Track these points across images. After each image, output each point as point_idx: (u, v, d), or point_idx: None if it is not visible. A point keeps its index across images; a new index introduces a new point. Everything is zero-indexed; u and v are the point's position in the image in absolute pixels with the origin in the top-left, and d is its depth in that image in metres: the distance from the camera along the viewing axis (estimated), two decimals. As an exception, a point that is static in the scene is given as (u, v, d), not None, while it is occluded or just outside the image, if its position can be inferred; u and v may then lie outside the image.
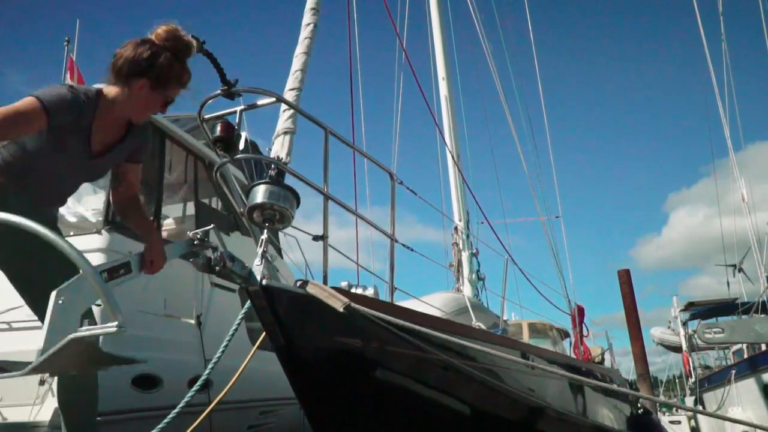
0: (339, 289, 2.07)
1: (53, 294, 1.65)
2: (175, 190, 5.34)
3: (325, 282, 2.15)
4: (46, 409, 3.37)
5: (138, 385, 3.75)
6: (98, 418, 3.34)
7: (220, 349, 2.55)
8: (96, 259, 3.62)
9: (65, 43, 5.68)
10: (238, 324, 2.39)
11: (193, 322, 4.40)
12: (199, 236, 2.34)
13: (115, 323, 1.55)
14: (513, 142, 8.80)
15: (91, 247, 3.75)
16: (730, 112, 11.43)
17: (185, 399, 2.50)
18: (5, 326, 3.63)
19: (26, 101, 2.10)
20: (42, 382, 3.47)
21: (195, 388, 2.53)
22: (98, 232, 3.89)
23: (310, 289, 2.02)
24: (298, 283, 2.07)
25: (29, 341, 3.51)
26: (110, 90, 2.33)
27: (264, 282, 1.94)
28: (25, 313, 3.55)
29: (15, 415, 3.44)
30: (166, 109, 2.42)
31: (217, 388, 3.76)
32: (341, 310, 1.92)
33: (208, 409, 3.25)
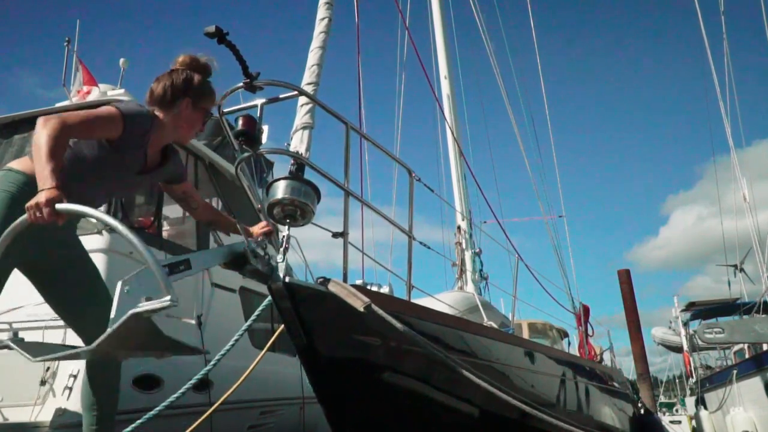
0: (360, 287, 2.04)
1: (119, 283, 1.74)
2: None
3: (345, 280, 2.13)
4: (47, 409, 3.35)
5: (139, 385, 3.74)
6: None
7: (223, 350, 2.54)
8: (97, 260, 3.61)
9: (65, 44, 5.67)
10: (251, 323, 2.39)
11: (193, 322, 4.38)
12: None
13: (168, 297, 1.66)
14: (515, 141, 8.80)
15: (93, 248, 3.73)
16: (731, 111, 11.41)
17: (180, 392, 2.50)
18: (5, 326, 3.62)
19: (106, 108, 2.33)
20: (43, 383, 3.46)
21: (189, 383, 2.54)
22: (99, 232, 3.88)
23: (332, 287, 1.99)
24: (319, 281, 2.04)
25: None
26: (158, 114, 2.53)
27: (287, 279, 1.91)
28: (26, 312, 3.56)
29: (16, 416, 3.42)
30: (204, 126, 2.68)
31: (218, 388, 3.75)
32: (362, 309, 1.89)
33: (210, 411, 3.24)
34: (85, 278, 2.59)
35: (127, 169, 2.48)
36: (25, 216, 1.93)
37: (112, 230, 3.89)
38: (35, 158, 2.09)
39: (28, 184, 2.26)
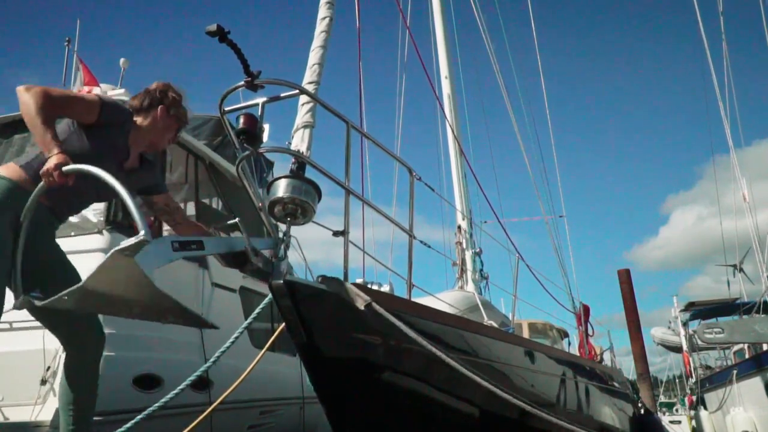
0: (360, 286, 2.05)
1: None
2: (176, 190, 5.33)
3: (345, 278, 2.13)
4: (48, 409, 3.35)
5: (139, 384, 3.74)
6: (99, 418, 3.34)
7: (222, 348, 2.54)
8: (98, 260, 3.61)
9: (66, 43, 5.68)
10: (250, 321, 2.38)
11: (193, 322, 4.38)
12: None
13: (142, 233, 1.78)
14: (516, 140, 8.80)
15: (93, 248, 3.73)
16: (730, 111, 11.43)
17: (176, 390, 2.50)
18: (6, 326, 3.61)
19: (87, 93, 2.52)
20: (44, 382, 3.46)
21: (188, 381, 2.54)
22: (99, 232, 3.88)
23: (332, 286, 2.00)
24: (320, 279, 2.05)
25: (30, 341, 3.51)
26: (136, 119, 2.72)
27: (287, 278, 1.92)
28: (26, 312, 3.56)
29: (16, 415, 3.42)
30: (176, 137, 2.91)
31: (218, 388, 3.75)
32: (362, 308, 1.89)
33: (210, 410, 3.25)
34: (65, 284, 2.57)
35: (111, 162, 2.52)
36: (42, 183, 2.22)
37: (112, 230, 3.88)
38: (30, 127, 2.28)
39: (12, 189, 2.34)
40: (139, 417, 2.70)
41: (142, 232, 1.78)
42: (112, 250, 1.80)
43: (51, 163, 2.19)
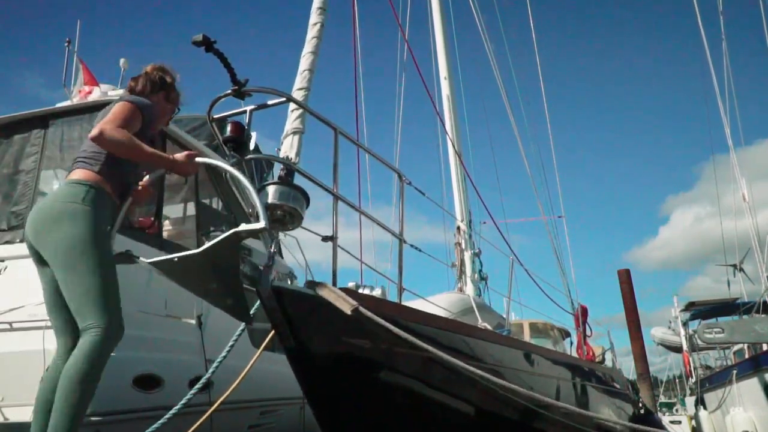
0: (348, 290, 2.06)
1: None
2: (176, 190, 5.33)
3: (334, 283, 2.14)
4: (48, 409, 3.36)
5: (139, 385, 3.74)
6: (99, 418, 3.35)
7: (225, 350, 2.55)
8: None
9: (66, 44, 5.69)
10: (244, 328, 2.39)
11: (193, 322, 4.39)
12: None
13: (263, 222, 1.89)
14: (515, 141, 8.81)
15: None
16: (730, 111, 11.44)
17: (183, 400, 2.52)
18: (6, 326, 3.62)
19: (126, 105, 2.56)
20: (44, 383, 3.46)
21: (194, 390, 2.55)
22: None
23: (320, 291, 2.02)
24: (307, 284, 2.06)
25: (31, 341, 3.52)
26: None
27: (274, 283, 1.93)
28: (27, 312, 3.57)
29: (16, 415, 3.43)
30: (170, 120, 3.07)
31: (218, 388, 3.76)
32: (349, 313, 1.91)
33: (211, 410, 3.25)
34: None
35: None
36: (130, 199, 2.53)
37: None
38: (135, 156, 2.45)
39: (95, 192, 2.45)
40: (169, 413, 2.78)
41: (263, 222, 1.88)
42: (233, 230, 1.90)
43: (184, 157, 2.50)
